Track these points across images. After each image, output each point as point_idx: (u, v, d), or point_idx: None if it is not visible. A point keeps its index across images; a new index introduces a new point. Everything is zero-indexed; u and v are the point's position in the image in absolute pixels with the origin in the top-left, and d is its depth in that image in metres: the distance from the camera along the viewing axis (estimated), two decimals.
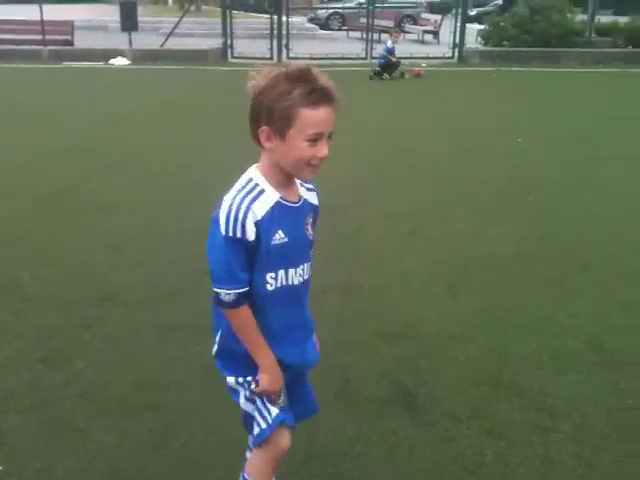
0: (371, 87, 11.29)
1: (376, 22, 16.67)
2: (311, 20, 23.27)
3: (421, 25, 20.81)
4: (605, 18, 15.75)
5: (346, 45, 16.94)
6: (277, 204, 1.53)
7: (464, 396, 2.60)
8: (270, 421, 1.65)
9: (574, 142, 6.99)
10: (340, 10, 23.34)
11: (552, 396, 2.59)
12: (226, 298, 1.53)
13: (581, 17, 15.16)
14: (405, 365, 2.81)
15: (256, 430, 1.67)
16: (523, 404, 2.55)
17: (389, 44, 12.12)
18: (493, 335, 3.07)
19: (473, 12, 24.15)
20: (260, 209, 1.50)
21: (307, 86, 1.43)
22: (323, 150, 1.48)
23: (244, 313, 1.56)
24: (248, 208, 1.49)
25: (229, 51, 14.84)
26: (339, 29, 22.28)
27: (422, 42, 19.32)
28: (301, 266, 1.62)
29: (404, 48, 15.95)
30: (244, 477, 1.77)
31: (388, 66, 11.89)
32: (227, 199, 1.52)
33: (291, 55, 14.52)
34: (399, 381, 2.69)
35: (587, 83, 11.77)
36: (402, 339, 3.03)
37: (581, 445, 2.31)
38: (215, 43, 15.10)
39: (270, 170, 1.54)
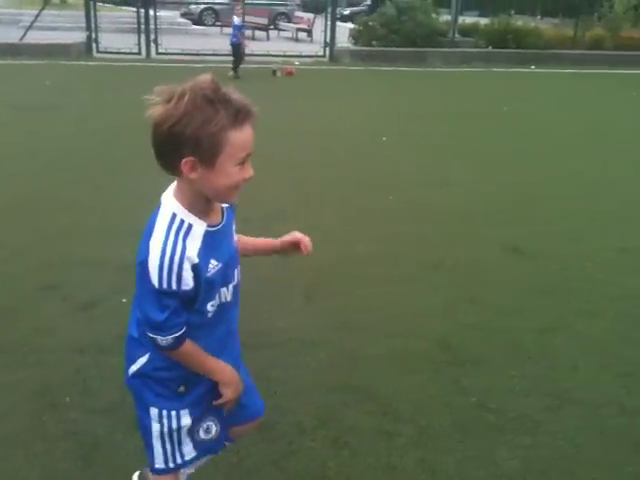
0: (240, 85, 11.10)
1: (249, 19, 16.49)
2: (184, 15, 22.63)
3: (295, 23, 20.89)
4: (471, 19, 16.55)
5: (219, 41, 16.64)
6: (206, 234, 1.42)
7: (312, 405, 2.53)
8: (180, 462, 1.63)
9: (435, 140, 7.23)
10: (213, 5, 22.89)
11: (398, 399, 2.58)
12: (163, 343, 1.45)
13: (447, 18, 15.85)
14: (255, 377, 2.69)
15: (158, 464, 1.63)
16: (370, 409, 2.51)
17: (236, 21, 11.85)
18: (345, 339, 3.03)
19: (347, 11, 24.64)
20: (193, 249, 1.39)
21: (229, 106, 1.33)
22: (250, 170, 1.41)
23: (186, 347, 1.48)
24: (183, 255, 1.37)
25: (94, 45, 14.08)
26: (213, 25, 21.84)
27: (296, 40, 19.39)
28: (233, 278, 1.57)
29: (278, 46, 15.95)
30: None
31: (235, 59, 11.58)
32: (156, 245, 1.37)
33: (160, 50, 14.03)
34: None
35: (451, 82, 12.29)
36: (253, 349, 2.89)
37: (424, 449, 2.31)
38: (79, 37, 14.27)
39: (192, 200, 1.41)
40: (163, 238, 1.37)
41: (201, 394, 1.61)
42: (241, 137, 1.35)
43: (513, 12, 16.26)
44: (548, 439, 2.39)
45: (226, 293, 1.54)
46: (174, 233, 1.38)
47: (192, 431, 1.61)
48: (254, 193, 5.12)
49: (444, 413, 2.52)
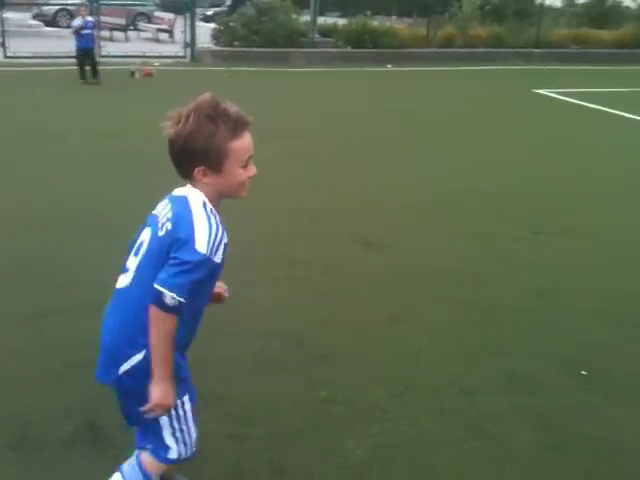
0: (95, 88, 10.62)
1: (105, 19, 15.83)
2: (36, 17, 21.27)
3: (155, 23, 20.32)
4: (332, 20, 16.88)
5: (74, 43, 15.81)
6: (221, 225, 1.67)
7: None
8: (190, 452, 1.83)
9: (294, 140, 7.30)
10: (68, 6, 21.70)
11: (249, 401, 2.58)
12: (171, 302, 1.56)
13: (307, 18, 16.07)
14: (97, 396, 2.57)
15: (172, 455, 1.79)
16: (219, 414, 2.48)
17: (76, 22, 11.11)
18: (203, 343, 2.97)
19: (210, 12, 24.29)
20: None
21: (228, 120, 1.60)
22: (253, 169, 1.70)
23: (174, 322, 1.60)
24: (223, 231, 1.64)
25: None
26: (68, 26, 20.69)
27: (157, 41, 18.86)
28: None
29: (137, 47, 15.41)
30: (144, 471, 1.83)
31: (79, 61, 10.90)
32: (202, 222, 1.61)
33: (9, 54, 13.11)
34: (87, 416, 2.45)
35: (313, 82, 12.48)
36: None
37: (273, 449, 2.32)
38: None
39: (212, 197, 1.67)
40: (206, 217, 1.62)
41: (191, 379, 1.82)
42: (242, 144, 1.63)
43: (369, 13, 16.80)
44: (394, 425, 2.48)
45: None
46: (212, 215, 1.65)
47: (193, 416, 1.79)
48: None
49: (295, 411, 2.54)
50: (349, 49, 15.26)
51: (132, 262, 1.72)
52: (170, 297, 1.55)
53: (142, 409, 1.65)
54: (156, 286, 1.56)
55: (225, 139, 1.59)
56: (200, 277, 1.59)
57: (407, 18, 19.75)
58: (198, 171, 1.63)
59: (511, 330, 3.28)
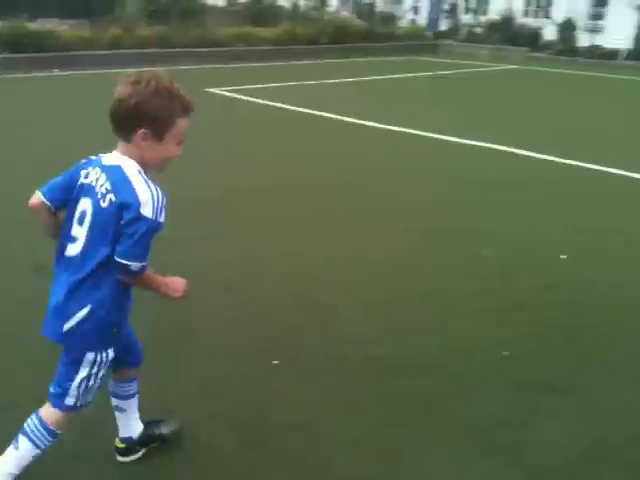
0: None
1: None
2: None
3: None
4: None
5: None
6: None
7: None
8: (84, 402, 2.00)
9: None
10: None
11: None
12: (136, 269, 1.81)
13: None
14: None
15: (69, 402, 1.96)
16: None
17: None
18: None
19: None
20: None
21: (181, 99, 1.85)
22: (180, 151, 1.93)
23: (143, 276, 1.87)
24: (162, 194, 1.83)
25: None
26: None
27: None
28: None
29: None
30: (41, 420, 1.97)
31: None
32: (143, 189, 1.79)
33: None
34: None
35: None
36: None
37: None
38: None
39: (140, 162, 1.85)
40: (145, 184, 1.81)
41: (121, 334, 2.01)
42: (184, 124, 1.88)
43: (27, 15, 15.43)
44: None
45: None
46: (150, 180, 1.84)
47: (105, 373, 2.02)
48: None
49: None
50: (7, 54, 13.86)
51: (78, 231, 1.87)
52: (134, 266, 1.80)
53: (176, 296, 1.97)
54: (119, 260, 1.79)
55: (175, 113, 1.84)
56: (152, 239, 1.83)
57: (70, 20, 18.67)
58: (141, 133, 1.81)
59: (204, 333, 3.39)
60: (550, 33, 23.05)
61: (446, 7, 27.28)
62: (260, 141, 8.08)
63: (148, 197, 1.78)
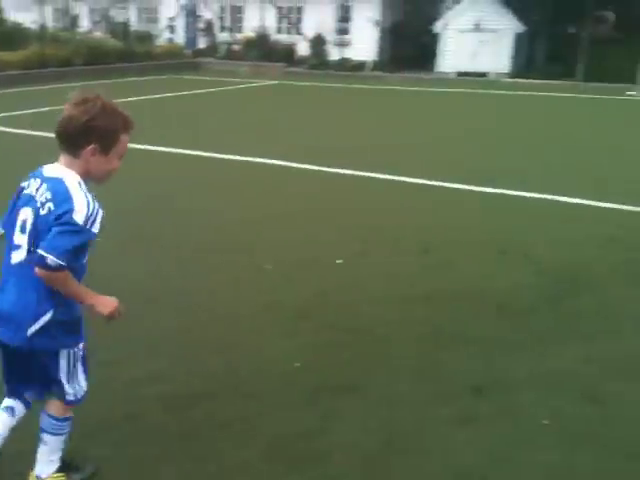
0: None
1: None
2: None
3: None
4: None
5: None
6: None
7: None
8: (83, 393, 2.24)
9: None
10: None
11: None
12: (52, 263, 1.86)
13: None
14: None
15: (70, 396, 2.20)
16: None
17: None
18: None
19: None
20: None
21: (123, 117, 2.04)
22: (120, 164, 2.11)
23: (64, 274, 1.91)
24: (99, 207, 1.97)
25: None
26: None
27: None
28: None
29: None
30: (55, 417, 2.23)
31: None
32: (80, 199, 1.93)
33: None
34: None
35: None
36: None
37: None
38: None
39: (84, 175, 2.01)
40: (84, 195, 1.95)
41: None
42: (126, 139, 2.07)
43: None
44: None
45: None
46: (89, 193, 1.98)
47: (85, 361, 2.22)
48: None
49: None
50: None
51: (21, 239, 1.99)
52: (50, 259, 1.85)
53: (108, 315, 2.03)
54: (38, 251, 1.87)
55: (119, 129, 2.01)
56: (78, 243, 1.91)
57: None
58: (91, 148, 1.97)
59: None
60: (303, 48, 24.48)
61: (202, 25, 27.50)
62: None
63: (83, 206, 1.92)
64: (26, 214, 1.97)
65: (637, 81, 18.99)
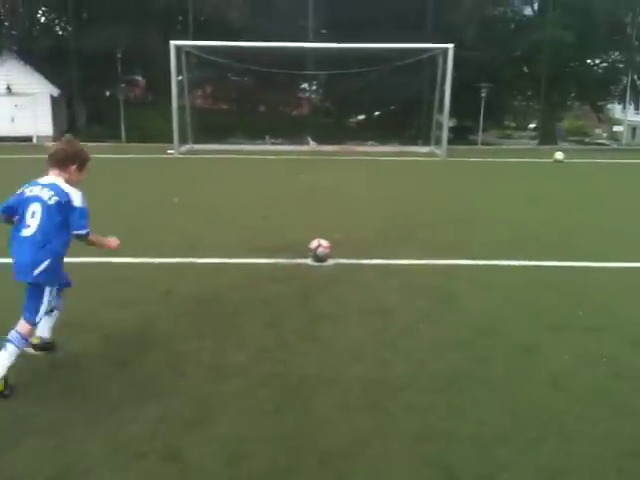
0: None
1: None
2: None
3: None
4: None
5: None
6: None
7: None
8: (42, 316, 3.71)
9: None
10: None
11: None
12: (85, 232, 3.62)
13: None
14: None
15: (37, 319, 3.67)
16: None
17: None
18: None
19: None
20: None
21: (84, 150, 3.80)
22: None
23: (92, 233, 3.68)
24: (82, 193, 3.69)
25: None
26: None
27: None
28: None
29: None
30: (20, 333, 3.59)
31: None
32: (75, 192, 3.63)
33: None
34: None
35: None
36: None
37: None
38: None
39: (66, 182, 3.67)
40: (74, 189, 3.63)
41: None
42: (88, 164, 3.84)
43: None
44: None
45: None
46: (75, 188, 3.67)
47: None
48: None
49: None
50: None
51: (31, 222, 3.53)
52: (83, 232, 3.61)
53: (115, 248, 3.94)
54: (75, 232, 3.60)
55: (88, 159, 3.81)
56: (87, 216, 3.62)
57: None
58: (74, 167, 3.72)
59: None
60: None
61: None
62: None
63: (77, 196, 3.62)
64: (35, 207, 3.53)
65: (173, 141, 20.79)
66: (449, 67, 20.90)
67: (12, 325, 3.63)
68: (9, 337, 3.57)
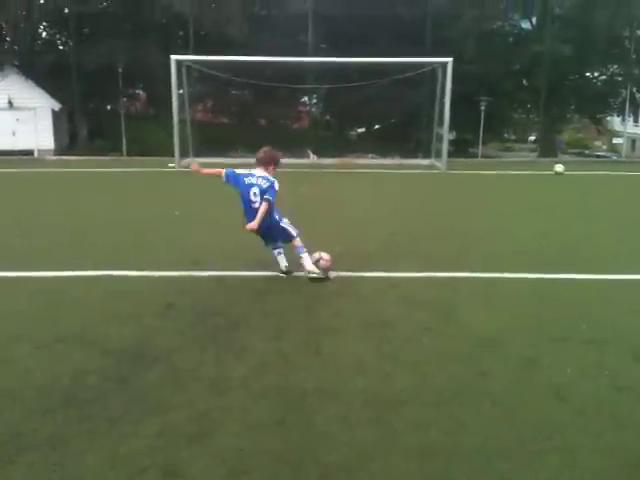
0: None
1: None
2: None
3: None
4: None
5: None
6: None
7: None
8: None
9: None
10: None
11: None
12: (272, 199, 6.12)
13: None
14: None
15: (294, 232, 6.46)
16: None
17: None
18: None
19: None
20: None
21: (278, 155, 6.64)
22: None
23: (271, 203, 6.23)
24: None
25: None
26: None
27: None
28: None
29: None
30: (298, 246, 6.43)
31: None
32: (273, 179, 6.26)
33: None
34: None
35: None
36: None
37: None
38: None
39: (268, 174, 6.41)
40: (274, 178, 6.28)
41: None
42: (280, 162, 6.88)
43: None
44: None
45: None
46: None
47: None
48: None
49: None
50: None
51: (254, 198, 6.11)
52: (271, 199, 6.13)
53: (251, 227, 6.10)
54: (265, 197, 6.06)
55: (280, 158, 6.63)
56: (275, 194, 6.17)
57: None
58: (272, 166, 6.33)
59: None
60: None
61: None
62: None
63: (276, 183, 6.17)
64: (255, 190, 6.09)
65: (174, 154, 20.84)
66: (448, 80, 20.99)
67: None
68: (297, 250, 6.39)
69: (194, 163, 6.54)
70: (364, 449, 3.23)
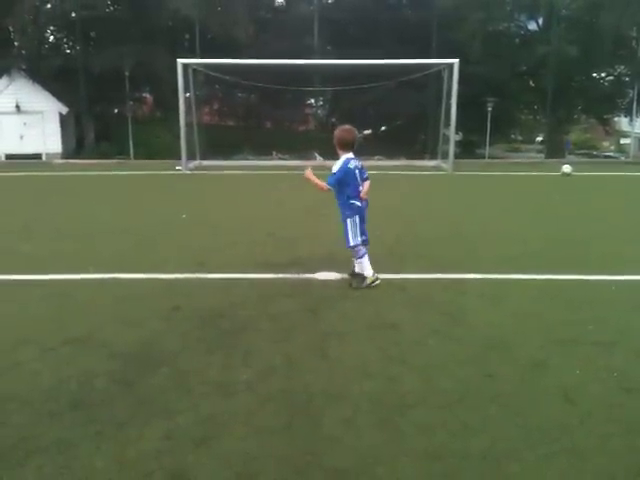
0: None
1: None
2: None
3: None
4: None
5: None
6: None
7: None
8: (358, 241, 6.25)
9: None
10: None
11: None
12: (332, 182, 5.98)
13: None
14: None
15: (353, 242, 6.17)
16: None
17: None
18: None
19: None
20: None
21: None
22: None
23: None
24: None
25: None
26: None
27: None
28: None
29: None
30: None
31: None
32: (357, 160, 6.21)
33: None
34: None
35: None
36: None
37: None
38: None
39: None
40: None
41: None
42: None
43: None
44: None
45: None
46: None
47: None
48: None
49: None
50: None
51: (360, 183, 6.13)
52: (332, 186, 6.02)
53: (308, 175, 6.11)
54: (365, 176, 6.23)
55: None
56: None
57: None
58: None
59: None
60: None
61: None
62: None
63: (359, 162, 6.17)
64: (358, 173, 6.09)
65: (181, 157, 20.88)
66: (454, 82, 20.98)
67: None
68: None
69: (308, 169, 6.07)
70: (371, 452, 3.21)
